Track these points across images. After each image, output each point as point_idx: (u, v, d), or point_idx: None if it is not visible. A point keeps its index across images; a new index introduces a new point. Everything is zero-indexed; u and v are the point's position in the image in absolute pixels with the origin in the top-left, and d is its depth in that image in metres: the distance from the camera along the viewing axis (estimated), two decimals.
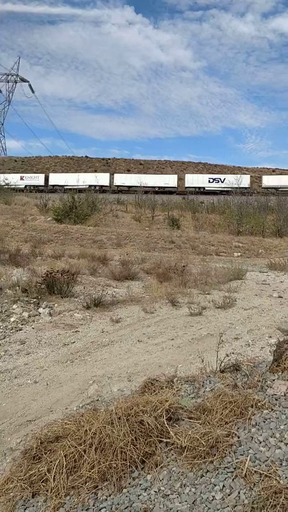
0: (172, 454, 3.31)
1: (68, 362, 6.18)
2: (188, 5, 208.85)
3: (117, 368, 5.80)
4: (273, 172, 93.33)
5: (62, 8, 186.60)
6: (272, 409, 3.53)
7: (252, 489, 2.74)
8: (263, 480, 2.77)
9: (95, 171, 78.00)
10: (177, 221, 28.78)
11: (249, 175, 67.33)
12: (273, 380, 4.01)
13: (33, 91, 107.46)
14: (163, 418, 3.49)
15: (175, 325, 7.73)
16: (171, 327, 7.59)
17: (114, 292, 10.23)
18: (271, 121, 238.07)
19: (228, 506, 2.68)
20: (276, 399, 3.67)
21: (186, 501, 2.84)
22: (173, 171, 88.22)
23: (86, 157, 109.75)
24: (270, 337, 6.79)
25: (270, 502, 2.57)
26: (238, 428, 3.39)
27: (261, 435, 3.21)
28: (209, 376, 4.47)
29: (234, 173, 71.59)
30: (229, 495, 2.77)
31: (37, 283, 9.50)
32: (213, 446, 3.17)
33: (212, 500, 2.78)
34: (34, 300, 9.04)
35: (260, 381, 4.04)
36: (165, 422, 3.46)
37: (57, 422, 3.92)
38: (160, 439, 3.41)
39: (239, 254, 18.99)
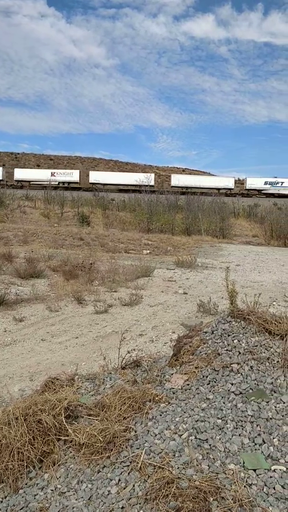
0: (70, 452, 3.31)
1: None
2: (101, 2, 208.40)
3: (19, 367, 5.67)
4: (183, 171, 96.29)
5: None
6: (169, 403, 3.65)
7: (146, 481, 2.81)
8: (156, 472, 2.85)
9: (4, 166, 75.30)
10: (87, 218, 28.64)
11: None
12: (172, 374, 4.14)
13: None
14: (62, 416, 3.48)
15: (80, 323, 7.70)
16: (76, 325, 7.55)
17: (18, 290, 9.95)
18: (181, 122, 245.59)
19: (122, 499, 2.73)
20: (174, 393, 3.80)
21: (82, 497, 2.86)
22: (84, 167, 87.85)
23: None
24: (174, 332, 7.00)
25: (163, 492, 2.66)
26: (135, 422, 3.46)
27: (157, 428, 3.31)
28: (110, 373, 4.53)
29: (145, 172, 73.20)
30: (124, 488, 2.83)
31: None
32: (110, 442, 3.21)
33: (108, 494, 2.82)
34: None
35: (159, 375, 4.16)
36: (64, 420, 3.45)
37: None
38: (59, 437, 3.40)
39: (148, 251, 19.26)
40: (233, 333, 4.17)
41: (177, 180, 66.44)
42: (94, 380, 4.37)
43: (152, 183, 63.92)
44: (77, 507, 2.77)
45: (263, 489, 2.69)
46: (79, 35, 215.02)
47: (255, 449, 3.01)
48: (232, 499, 2.56)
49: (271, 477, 2.77)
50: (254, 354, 3.86)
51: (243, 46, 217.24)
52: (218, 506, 2.53)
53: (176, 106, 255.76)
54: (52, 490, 3.00)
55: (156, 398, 3.71)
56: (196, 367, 3.99)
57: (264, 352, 3.88)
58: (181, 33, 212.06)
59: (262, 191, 64.98)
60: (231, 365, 3.82)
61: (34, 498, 2.95)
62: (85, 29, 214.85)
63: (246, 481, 2.73)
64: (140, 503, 2.67)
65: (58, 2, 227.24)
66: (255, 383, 3.59)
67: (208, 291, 10.55)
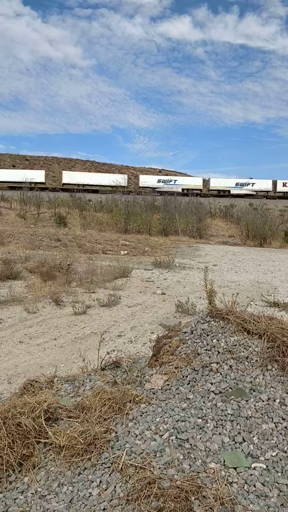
0: (51, 454, 3.28)
1: None
2: (78, 2, 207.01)
3: None
4: (160, 172, 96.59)
5: None
6: (149, 403, 3.65)
7: (128, 482, 2.81)
8: (138, 472, 2.85)
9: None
10: (64, 219, 28.41)
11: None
12: (151, 374, 4.14)
13: None
14: (41, 418, 3.44)
15: (58, 324, 7.64)
16: (54, 327, 7.49)
17: None
18: (158, 123, 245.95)
19: (104, 501, 2.72)
20: (154, 393, 3.81)
21: (63, 500, 2.83)
22: (61, 167, 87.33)
23: None
24: (152, 333, 7.01)
25: (144, 493, 2.66)
26: (116, 423, 3.46)
27: (137, 428, 3.31)
28: (90, 374, 4.50)
29: (121, 172, 73.13)
30: (105, 490, 2.82)
31: None
32: (91, 443, 3.20)
33: (89, 496, 2.80)
34: None
35: (138, 376, 4.15)
36: (44, 423, 3.42)
37: None
38: (39, 440, 3.36)
39: (126, 252, 19.23)
40: (212, 333, 4.20)
41: (69, 177, 66.54)
42: (74, 382, 4.35)
43: (42, 180, 64.17)
44: (58, 510, 2.75)
45: (243, 487, 2.72)
46: (55, 34, 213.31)
47: (235, 448, 3.04)
48: (213, 498, 2.58)
49: (251, 475, 2.81)
50: (233, 354, 3.90)
51: (219, 48, 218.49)
52: (199, 505, 2.55)
53: (153, 107, 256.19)
54: (32, 493, 2.96)
55: (137, 399, 3.71)
56: (176, 367, 4.01)
57: (243, 351, 3.92)
58: (157, 34, 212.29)
59: (156, 189, 65.66)
60: (211, 365, 3.85)
61: (14, 502, 2.91)
62: (61, 29, 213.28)
63: (227, 480, 2.76)
64: (121, 504, 2.66)
65: (33, 1, 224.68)
66: (234, 382, 3.63)
67: (186, 291, 10.60)
